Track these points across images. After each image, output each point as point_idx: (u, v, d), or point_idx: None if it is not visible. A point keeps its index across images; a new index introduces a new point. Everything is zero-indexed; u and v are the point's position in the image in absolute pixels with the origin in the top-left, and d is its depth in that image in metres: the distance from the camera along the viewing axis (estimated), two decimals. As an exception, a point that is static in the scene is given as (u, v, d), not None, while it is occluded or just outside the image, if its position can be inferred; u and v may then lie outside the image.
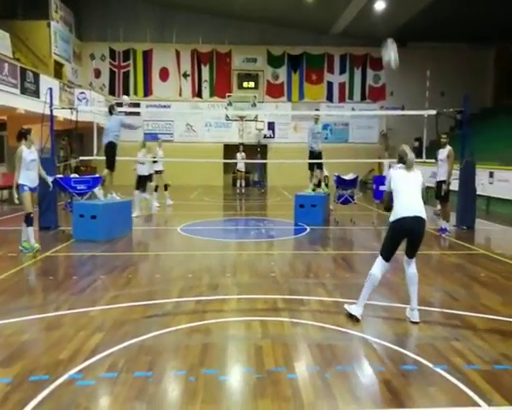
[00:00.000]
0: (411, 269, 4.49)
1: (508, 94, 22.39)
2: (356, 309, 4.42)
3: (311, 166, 11.05)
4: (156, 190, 13.28)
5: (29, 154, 7.13)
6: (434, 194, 9.58)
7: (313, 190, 11.03)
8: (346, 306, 4.57)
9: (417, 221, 4.34)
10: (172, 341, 3.98)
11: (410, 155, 4.42)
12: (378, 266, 4.42)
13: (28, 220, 7.08)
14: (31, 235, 7.19)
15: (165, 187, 13.80)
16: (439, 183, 9.22)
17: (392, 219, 4.44)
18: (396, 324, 4.41)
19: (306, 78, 24.38)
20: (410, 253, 4.50)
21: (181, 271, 6.38)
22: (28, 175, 7.09)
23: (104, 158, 9.27)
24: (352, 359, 3.64)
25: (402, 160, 4.47)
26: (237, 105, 22.89)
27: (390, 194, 4.53)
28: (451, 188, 9.37)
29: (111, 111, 9.35)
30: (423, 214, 4.36)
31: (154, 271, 6.43)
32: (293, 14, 21.56)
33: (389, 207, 4.58)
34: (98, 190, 9.62)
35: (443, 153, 9.21)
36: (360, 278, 6.06)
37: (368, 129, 24.46)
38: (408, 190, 4.39)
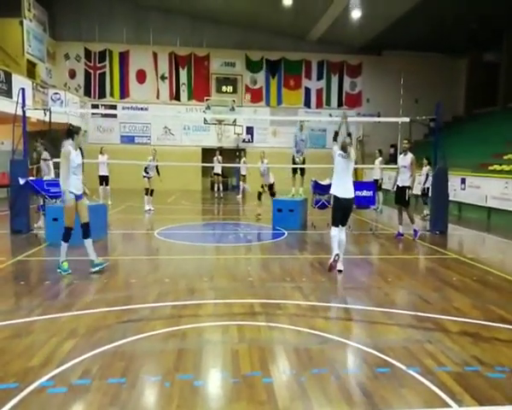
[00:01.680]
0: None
1: (479, 103, 23.16)
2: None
3: (294, 171, 11.26)
4: (151, 193, 13.78)
5: (76, 156, 6.16)
6: (395, 199, 9.82)
7: (293, 195, 11.19)
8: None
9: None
10: (147, 346, 3.93)
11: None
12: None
13: (68, 236, 6.15)
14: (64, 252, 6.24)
15: (151, 192, 13.87)
16: (402, 188, 9.47)
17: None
18: (370, 327, 4.47)
19: (284, 83, 24.60)
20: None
21: (157, 275, 6.32)
22: (74, 181, 6.10)
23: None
24: (328, 362, 3.68)
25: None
26: (216, 109, 22.87)
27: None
28: (414, 192, 10.03)
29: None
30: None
31: (130, 275, 6.34)
32: (271, 20, 21.77)
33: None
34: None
35: (405, 160, 9.46)
36: (336, 282, 6.15)
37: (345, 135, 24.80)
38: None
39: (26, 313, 4.61)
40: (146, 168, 13.73)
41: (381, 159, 14.66)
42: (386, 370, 3.51)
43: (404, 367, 3.54)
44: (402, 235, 9.53)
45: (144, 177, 13.73)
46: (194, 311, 4.85)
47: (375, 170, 14.60)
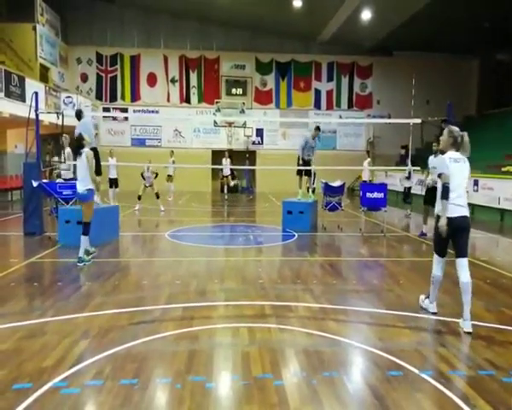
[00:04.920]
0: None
1: (491, 103, 22.88)
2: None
3: (300, 172, 11.10)
4: (157, 196, 14.04)
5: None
6: (424, 199, 9.79)
7: (300, 197, 11.08)
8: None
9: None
10: (159, 348, 3.95)
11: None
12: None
13: (88, 229, 6.85)
14: (86, 244, 6.90)
15: (157, 195, 14.09)
16: (433, 189, 9.41)
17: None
18: (382, 329, 4.44)
19: (294, 85, 24.57)
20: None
21: (168, 277, 6.34)
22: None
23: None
24: (339, 365, 3.66)
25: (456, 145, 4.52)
26: (225, 111, 22.95)
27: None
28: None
29: (80, 116, 9.00)
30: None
31: (142, 277, 6.38)
32: (281, 22, 21.76)
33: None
34: (96, 198, 9.37)
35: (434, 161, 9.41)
36: (347, 285, 6.11)
37: (355, 137, 24.74)
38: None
39: (39, 314, 4.66)
40: (142, 174, 14.16)
41: (369, 160, 14.71)
42: (398, 373, 3.48)
43: (416, 371, 3.51)
44: (425, 235, 9.57)
45: (146, 186, 14.10)
46: (206, 313, 4.87)
47: (364, 171, 14.62)
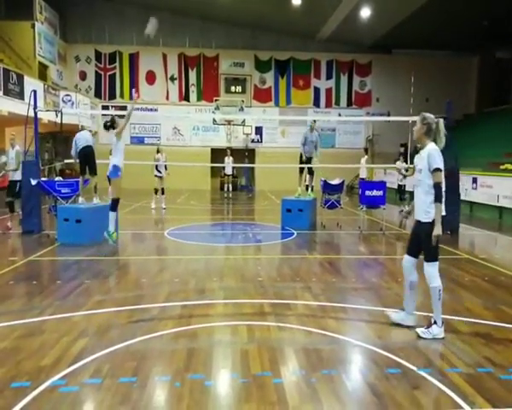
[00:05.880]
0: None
1: (490, 101, 22.88)
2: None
3: (301, 170, 11.12)
4: (163, 192, 13.90)
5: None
6: None
7: (299, 194, 11.06)
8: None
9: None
10: (158, 346, 3.94)
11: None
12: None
13: (116, 206, 7.07)
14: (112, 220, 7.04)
15: (162, 190, 14.03)
16: None
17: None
18: (381, 328, 4.44)
19: (293, 83, 24.55)
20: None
21: (167, 275, 6.34)
22: (122, 160, 6.95)
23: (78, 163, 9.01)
24: (338, 363, 3.66)
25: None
26: (225, 109, 22.92)
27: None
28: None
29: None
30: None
31: (140, 275, 6.38)
32: (280, 20, 21.73)
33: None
34: (96, 200, 9.28)
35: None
36: (346, 283, 6.11)
37: (354, 134, 24.73)
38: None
39: (37, 313, 4.66)
40: (157, 166, 13.88)
41: (366, 157, 14.74)
42: (397, 371, 3.49)
43: (415, 368, 3.51)
44: None
45: (156, 176, 13.86)
46: (205, 311, 4.87)
47: (362, 169, 14.66)
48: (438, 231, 3.99)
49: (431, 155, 4.09)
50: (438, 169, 4.05)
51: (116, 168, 6.79)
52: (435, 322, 4.11)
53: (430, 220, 4.08)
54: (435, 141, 4.17)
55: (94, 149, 9.05)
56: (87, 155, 8.90)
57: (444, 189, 4.10)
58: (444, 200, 4.10)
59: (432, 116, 4.21)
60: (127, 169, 6.76)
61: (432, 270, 4.12)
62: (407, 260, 4.36)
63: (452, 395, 3.11)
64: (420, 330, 4.17)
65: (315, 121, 11.33)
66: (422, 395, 3.15)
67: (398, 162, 9.42)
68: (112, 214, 6.94)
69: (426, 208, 4.11)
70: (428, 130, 4.14)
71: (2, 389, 3.14)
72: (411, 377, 3.40)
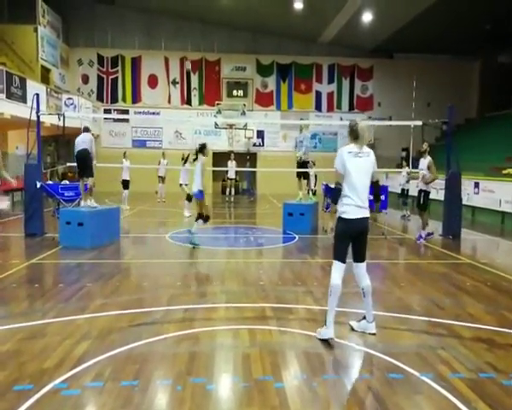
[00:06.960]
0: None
1: (492, 105, 22.88)
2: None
3: (298, 175, 11.13)
4: (190, 199, 12.34)
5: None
6: (416, 202, 9.92)
7: (300, 199, 11.08)
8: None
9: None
10: (160, 349, 3.95)
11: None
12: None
13: (199, 219, 8.51)
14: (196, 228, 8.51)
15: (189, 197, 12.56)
16: (419, 191, 9.57)
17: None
18: (383, 332, 4.43)
19: (295, 87, 24.60)
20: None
21: (169, 279, 6.34)
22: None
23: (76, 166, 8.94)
24: (339, 367, 3.66)
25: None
26: (226, 113, 22.96)
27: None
28: (433, 197, 9.93)
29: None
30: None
31: (142, 279, 6.38)
32: (282, 24, 21.81)
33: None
34: (91, 202, 9.27)
35: (423, 163, 9.45)
36: (347, 287, 6.10)
37: (356, 138, 24.70)
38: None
39: (40, 316, 4.66)
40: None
41: None
42: (399, 376, 3.48)
43: (417, 373, 3.50)
44: (432, 233, 9.66)
45: (181, 185, 13.36)
46: (206, 314, 4.87)
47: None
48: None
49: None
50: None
51: (201, 192, 8.29)
52: (364, 318, 4.38)
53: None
54: (357, 141, 4.21)
55: (89, 151, 8.81)
56: (79, 159, 8.75)
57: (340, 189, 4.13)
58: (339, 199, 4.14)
59: (355, 119, 4.39)
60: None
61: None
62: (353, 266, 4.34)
63: (454, 401, 3.11)
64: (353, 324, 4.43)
65: (303, 125, 11.66)
66: (425, 400, 3.15)
67: (422, 172, 9.47)
68: (196, 223, 8.49)
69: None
70: (351, 131, 4.24)
71: (5, 391, 3.14)
72: (413, 382, 3.40)
